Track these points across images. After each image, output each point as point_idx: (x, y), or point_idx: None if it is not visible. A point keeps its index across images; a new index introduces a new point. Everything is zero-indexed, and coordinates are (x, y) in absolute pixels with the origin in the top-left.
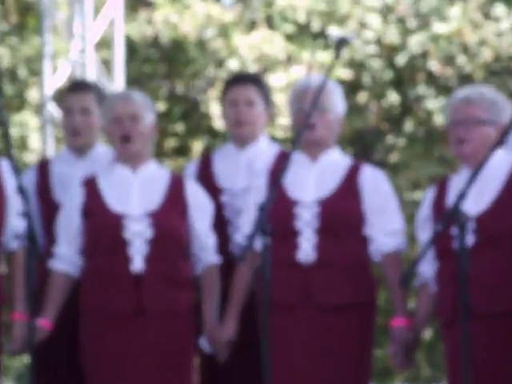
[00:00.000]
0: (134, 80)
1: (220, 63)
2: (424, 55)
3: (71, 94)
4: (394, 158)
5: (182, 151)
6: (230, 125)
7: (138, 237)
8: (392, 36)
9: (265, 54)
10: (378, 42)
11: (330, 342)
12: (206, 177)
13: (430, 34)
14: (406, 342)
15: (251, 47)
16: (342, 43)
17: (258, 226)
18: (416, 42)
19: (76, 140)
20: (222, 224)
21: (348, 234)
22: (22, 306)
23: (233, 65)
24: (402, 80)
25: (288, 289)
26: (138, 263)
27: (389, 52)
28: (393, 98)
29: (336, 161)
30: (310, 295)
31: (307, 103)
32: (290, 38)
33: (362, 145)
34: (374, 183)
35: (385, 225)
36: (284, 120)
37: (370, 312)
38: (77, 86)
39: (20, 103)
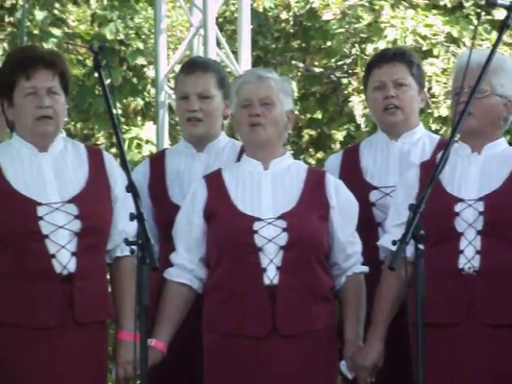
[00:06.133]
0: (260, 58)
1: (365, 41)
2: None
3: (187, 76)
4: None
5: (321, 142)
6: (377, 111)
7: (271, 243)
8: None
9: (419, 34)
10: None
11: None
12: (353, 172)
13: None
14: None
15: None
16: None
17: (409, 229)
18: None
19: (194, 130)
20: (370, 226)
21: None
22: (132, 323)
23: (380, 45)
24: None
25: (448, 303)
26: (271, 274)
27: None
28: None
29: (503, 152)
30: (472, 309)
31: (465, 83)
32: (443, 15)
33: None
34: None
35: None
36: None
37: None
38: (194, 65)
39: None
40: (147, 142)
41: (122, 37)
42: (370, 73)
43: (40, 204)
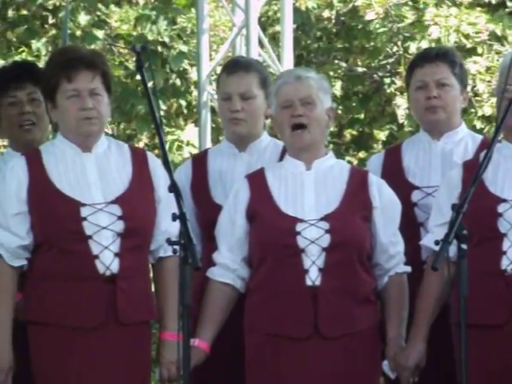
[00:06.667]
0: (302, 58)
1: (408, 40)
2: None
3: (229, 76)
4: None
5: (363, 142)
6: (419, 111)
7: (314, 245)
8: None
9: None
10: None
11: None
12: (395, 172)
13: None
14: None
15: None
16: None
17: (452, 228)
18: None
19: (236, 130)
20: (412, 226)
21: None
22: (175, 323)
23: (423, 44)
24: None
25: (491, 305)
26: (313, 275)
27: None
28: None
29: None
30: None
31: (510, 82)
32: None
33: None
34: None
35: None
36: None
37: None
38: (236, 66)
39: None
40: (188, 143)
41: (164, 39)
42: (412, 72)
43: (84, 205)
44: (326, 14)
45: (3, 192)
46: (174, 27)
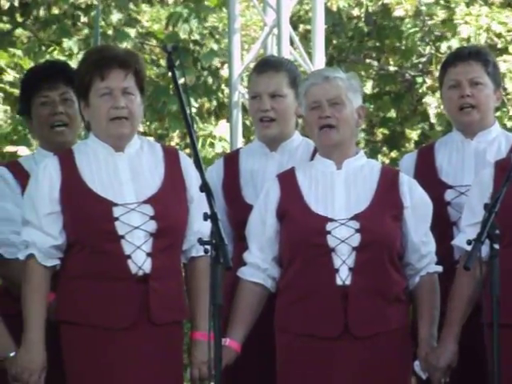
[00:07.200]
0: (333, 58)
1: (439, 39)
2: None
3: (259, 75)
4: None
5: (394, 141)
6: (453, 110)
7: (344, 244)
8: None
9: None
10: None
11: None
12: (428, 172)
13: None
14: None
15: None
16: None
17: (485, 228)
18: None
19: (268, 131)
20: (445, 226)
21: None
22: (206, 323)
23: (454, 42)
24: None
25: None
26: (344, 275)
27: None
28: None
29: None
30: None
31: None
32: None
33: None
34: None
35: None
36: None
37: None
38: (266, 65)
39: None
40: (220, 139)
41: (196, 37)
42: (445, 71)
43: (116, 204)
44: (355, 12)
45: (36, 192)
46: (206, 25)
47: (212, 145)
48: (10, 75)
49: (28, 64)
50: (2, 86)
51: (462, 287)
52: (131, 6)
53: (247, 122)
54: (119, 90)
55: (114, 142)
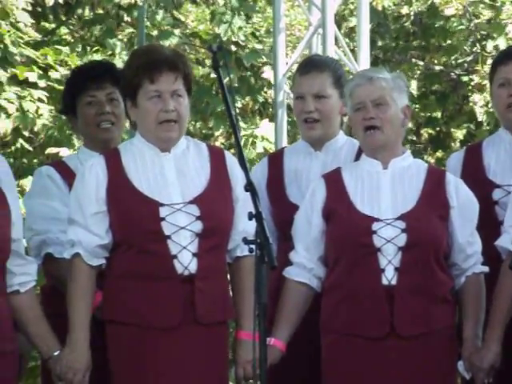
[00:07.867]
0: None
1: (485, 38)
2: None
3: (303, 76)
4: None
5: (440, 141)
6: (501, 108)
7: (390, 244)
8: None
9: None
10: None
11: None
12: (475, 170)
13: None
14: None
15: None
16: None
17: None
18: None
19: (312, 133)
20: (493, 225)
21: None
22: (251, 322)
23: (500, 42)
24: None
25: None
26: (389, 275)
27: None
28: None
29: None
30: None
31: None
32: None
33: None
34: None
35: None
36: None
37: None
38: (310, 65)
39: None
40: (262, 139)
41: (240, 37)
42: (495, 70)
43: (162, 205)
44: (404, 10)
45: (82, 191)
46: (249, 23)
47: (254, 144)
48: (58, 72)
49: (75, 61)
50: (49, 83)
51: (506, 287)
52: (174, 10)
53: (291, 120)
54: (169, 92)
55: (162, 145)
